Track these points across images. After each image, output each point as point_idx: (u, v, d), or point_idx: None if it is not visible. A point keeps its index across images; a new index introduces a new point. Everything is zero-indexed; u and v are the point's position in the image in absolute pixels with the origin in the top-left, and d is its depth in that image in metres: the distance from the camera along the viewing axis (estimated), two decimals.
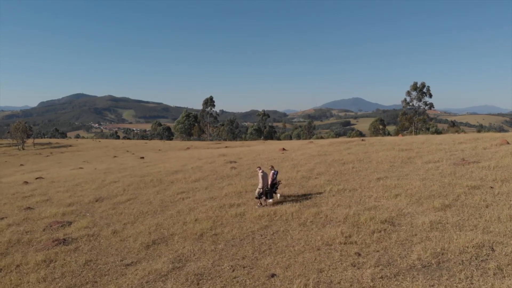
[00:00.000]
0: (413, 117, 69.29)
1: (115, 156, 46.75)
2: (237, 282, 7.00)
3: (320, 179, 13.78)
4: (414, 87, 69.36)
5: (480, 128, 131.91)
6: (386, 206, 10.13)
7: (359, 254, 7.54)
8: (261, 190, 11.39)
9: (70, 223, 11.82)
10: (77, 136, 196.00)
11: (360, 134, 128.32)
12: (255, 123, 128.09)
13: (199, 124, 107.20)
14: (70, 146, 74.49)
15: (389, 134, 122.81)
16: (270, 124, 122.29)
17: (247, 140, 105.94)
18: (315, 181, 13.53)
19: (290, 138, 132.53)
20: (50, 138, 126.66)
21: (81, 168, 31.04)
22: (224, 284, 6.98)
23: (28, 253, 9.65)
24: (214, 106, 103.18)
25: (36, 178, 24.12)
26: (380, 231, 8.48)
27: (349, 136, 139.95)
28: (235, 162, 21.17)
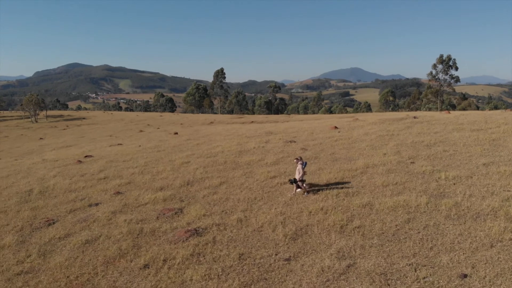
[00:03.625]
0: (439, 90, 68.86)
1: (141, 131, 46.28)
2: (429, 283, 6.81)
3: (419, 164, 13.51)
4: (440, 60, 68.63)
5: (489, 100, 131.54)
6: None
7: None
8: (301, 179, 11.51)
9: (181, 210, 11.58)
10: (79, 107, 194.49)
11: (369, 107, 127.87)
12: (258, 95, 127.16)
13: (209, 96, 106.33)
14: (84, 118, 73.84)
15: (397, 106, 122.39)
16: (273, 96, 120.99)
17: (255, 114, 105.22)
18: (416, 167, 13.25)
19: (297, 111, 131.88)
20: (52, 110, 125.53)
21: (120, 144, 30.66)
22: (418, 285, 6.78)
23: (162, 245, 9.43)
24: (224, 78, 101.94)
25: (86, 156, 23.78)
26: None
27: (357, 109, 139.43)
28: (295, 142, 20.86)
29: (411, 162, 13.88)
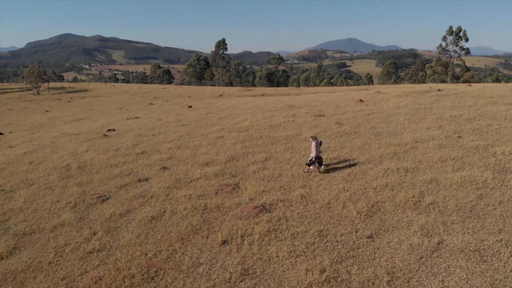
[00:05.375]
0: (449, 62, 68.47)
1: (150, 104, 45.78)
2: None
3: (468, 139, 13.44)
4: (450, 31, 67.99)
5: (491, 72, 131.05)
6: None
7: None
8: (313, 159, 11.61)
9: (237, 186, 11.52)
10: (75, 79, 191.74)
11: (371, 79, 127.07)
12: (254, 66, 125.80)
13: (210, 68, 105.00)
14: (87, 90, 72.81)
15: (399, 78, 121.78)
16: (276, 68, 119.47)
17: (256, 86, 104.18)
18: (467, 142, 13.19)
19: (298, 83, 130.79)
20: (49, 82, 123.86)
21: (137, 117, 30.38)
22: None
23: (232, 221, 9.40)
24: (226, 49, 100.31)
25: (108, 130, 23.59)
26: None
27: (357, 80, 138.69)
28: (324, 116, 20.70)
29: (458, 137, 13.81)
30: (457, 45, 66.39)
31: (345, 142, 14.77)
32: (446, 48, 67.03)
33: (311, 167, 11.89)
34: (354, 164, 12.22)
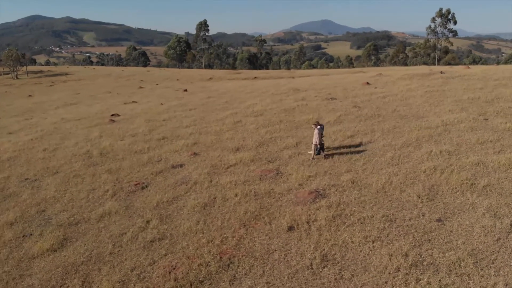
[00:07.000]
0: (436, 45, 69.44)
1: (140, 87, 44.79)
2: None
3: (497, 121, 13.69)
4: (440, 13, 68.76)
5: (468, 54, 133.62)
6: None
7: None
8: (318, 146, 11.73)
9: (278, 171, 11.44)
10: (48, 62, 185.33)
11: (351, 61, 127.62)
12: (230, 48, 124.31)
13: (191, 50, 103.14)
14: (67, 74, 70.61)
15: (379, 60, 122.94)
16: (259, 50, 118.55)
17: (237, 68, 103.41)
18: (496, 124, 13.43)
19: (279, 65, 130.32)
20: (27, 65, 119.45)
21: (135, 102, 29.70)
22: None
23: (291, 207, 9.34)
24: (208, 30, 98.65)
25: (112, 115, 23.02)
26: None
27: (337, 63, 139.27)
28: (335, 99, 20.71)
29: (485, 119, 14.05)
30: (445, 27, 68.22)
31: (373, 125, 14.81)
32: (435, 30, 68.72)
33: (322, 153, 11.96)
34: (393, 148, 12.27)
